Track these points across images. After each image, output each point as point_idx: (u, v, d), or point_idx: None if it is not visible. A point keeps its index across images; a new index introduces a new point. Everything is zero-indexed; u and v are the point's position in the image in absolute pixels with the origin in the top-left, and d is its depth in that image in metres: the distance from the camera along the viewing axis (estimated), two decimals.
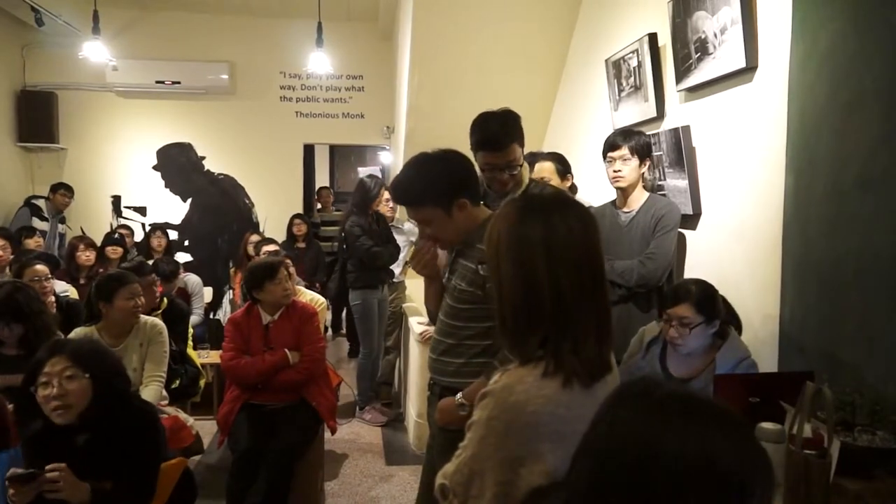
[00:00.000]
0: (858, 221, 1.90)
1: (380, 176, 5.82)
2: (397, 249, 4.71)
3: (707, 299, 2.13)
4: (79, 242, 4.92)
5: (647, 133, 2.93)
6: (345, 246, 4.69)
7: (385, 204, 4.74)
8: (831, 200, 2.01)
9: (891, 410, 1.67)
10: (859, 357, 1.89)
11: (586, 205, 3.29)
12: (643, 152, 2.77)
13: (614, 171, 2.79)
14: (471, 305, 1.94)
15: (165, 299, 3.69)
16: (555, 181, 3.21)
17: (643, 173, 2.81)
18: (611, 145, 2.83)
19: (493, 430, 1.17)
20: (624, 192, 2.82)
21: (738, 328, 2.31)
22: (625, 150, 2.75)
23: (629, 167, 2.75)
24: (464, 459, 1.21)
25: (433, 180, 1.97)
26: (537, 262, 1.20)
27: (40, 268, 3.49)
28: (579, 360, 1.16)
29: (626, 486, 0.80)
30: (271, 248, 4.63)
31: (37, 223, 6.26)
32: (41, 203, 6.59)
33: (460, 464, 1.21)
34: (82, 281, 4.70)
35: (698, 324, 2.10)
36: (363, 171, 10.93)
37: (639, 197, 2.80)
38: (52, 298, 3.51)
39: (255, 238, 5.58)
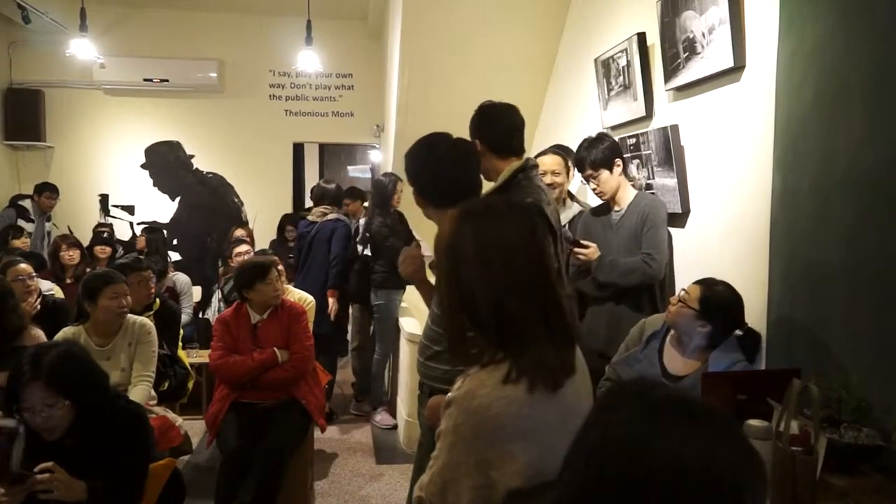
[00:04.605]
0: (844, 220, 1.92)
1: (370, 174, 5.81)
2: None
3: (713, 303, 2.14)
4: (62, 242, 4.88)
5: (620, 135, 2.95)
6: (369, 246, 4.66)
7: (399, 195, 4.71)
8: (818, 199, 2.02)
9: (876, 407, 1.69)
10: (845, 354, 1.91)
11: (582, 205, 3.32)
12: (606, 161, 2.77)
13: (592, 190, 2.87)
14: None
15: (158, 300, 3.66)
16: (561, 178, 3.21)
17: (622, 174, 2.84)
18: (577, 166, 2.90)
19: (460, 437, 1.16)
20: (611, 198, 2.86)
21: (755, 348, 2.26)
22: (589, 170, 2.80)
23: (601, 181, 2.80)
24: (436, 469, 1.20)
25: (420, 175, 2.00)
26: (469, 270, 1.20)
27: (23, 266, 3.45)
28: (538, 370, 1.15)
29: (620, 488, 0.80)
30: (243, 248, 4.61)
31: (22, 224, 6.20)
32: (27, 204, 6.53)
33: (433, 474, 1.20)
34: (69, 280, 4.66)
35: (692, 309, 2.14)
36: (353, 170, 10.91)
37: (626, 196, 2.83)
38: (36, 297, 3.47)
39: (239, 232, 5.57)
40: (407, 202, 2.24)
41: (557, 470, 1.11)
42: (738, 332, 2.19)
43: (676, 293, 2.27)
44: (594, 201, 3.15)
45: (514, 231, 1.22)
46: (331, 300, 4.65)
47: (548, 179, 3.05)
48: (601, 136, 2.90)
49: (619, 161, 2.80)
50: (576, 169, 3.02)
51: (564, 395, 1.17)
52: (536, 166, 2.48)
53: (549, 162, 3.18)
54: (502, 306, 1.17)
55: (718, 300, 2.15)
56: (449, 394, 1.21)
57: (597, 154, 2.77)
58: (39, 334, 2.98)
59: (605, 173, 2.77)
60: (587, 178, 2.84)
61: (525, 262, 1.20)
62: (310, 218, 4.87)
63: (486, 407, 1.13)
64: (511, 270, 1.18)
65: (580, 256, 2.77)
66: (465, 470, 1.15)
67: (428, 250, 2.07)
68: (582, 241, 2.79)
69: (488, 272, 1.18)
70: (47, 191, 6.57)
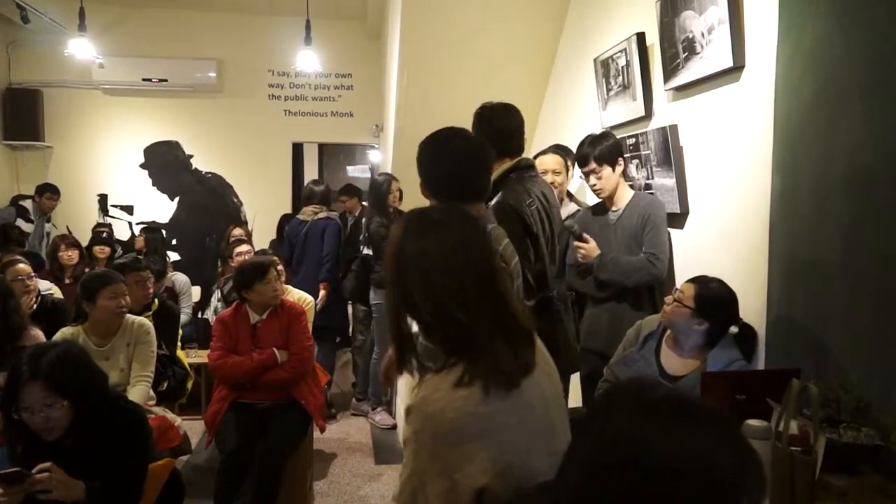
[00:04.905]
0: (844, 220, 1.92)
1: (370, 174, 5.84)
2: None
3: (709, 300, 2.15)
4: (61, 242, 4.88)
5: (619, 135, 2.96)
6: (369, 245, 4.68)
7: (395, 194, 4.75)
8: (817, 199, 2.02)
9: (875, 407, 1.69)
10: (845, 354, 1.91)
11: (580, 205, 3.33)
12: (611, 158, 2.77)
13: (591, 186, 2.86)
14: None
15: (157, 300, 3.65)
16: (561, 177, 3.21)
17: (622, 173, 2.84)
18: (579, 161, 2.88)
19: (421, 444, 1.17)
20: (609, 197, 2.85)
21: (752, 346, 2.27)
22: (592, 164, 2.79)
23: (602, 177, 2.79)
24: (405, 478, 1.21)
25: (430, 168, 2.00)
26: (412, 278, 1.21)
27: (23, 266, 3.45)
28: (492, 371, 1.16)
29: (618, 488, 0.80)
30: (244, 248, 4.62)
31: (22, 224, 6.21)
32: (28, 204, 6.54)
33: (403, 483, 1.21)
34: (67, 280, 4.66)
35: (688, 308, 2.14)
36: (352, 171, 10.90)
37: (624, 196, 2.84)
38: (33, 297, 3.47)
39: (237, 231, 5.58)
40: (413, 200, 2.26)
41: (520, 467, 1.13)
42: (734, 328, 2.19)
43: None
44: (593, 201, 3.15)
45: (455, 239, 1.22)
46: (322, 292, 4.77)
47: (548, 178, 3.05)
48: (605, 134, 2.90)
49: (621, 160, 2.81)
50: (577, 165, 3.01)
51: (522, 394, 1.17)
52: (531, 166, 2.48)
53: (550, 161, 3.18)
54: (448, 313, 1.18)
55: (713, 297, 2.15)
56: (409, 402, 1.22)
57: (602, 149, 2.77)
58: (39, 334, 2.98)
59: (607, 169, 2.77)
60: (588, 174, 2.82)
61: (467, 270, 1.21)
62: (300, 217, 5.06)
63: (440, 411, 1.14)
64: (452, 277, 1.19)
65: (580, 251, 2.76)
66: (430, 476, 1.16)
67: None
68: (584, 235, 2.78)
69: (429, 280, 1.20)
70: (48, 192, 6.59)
